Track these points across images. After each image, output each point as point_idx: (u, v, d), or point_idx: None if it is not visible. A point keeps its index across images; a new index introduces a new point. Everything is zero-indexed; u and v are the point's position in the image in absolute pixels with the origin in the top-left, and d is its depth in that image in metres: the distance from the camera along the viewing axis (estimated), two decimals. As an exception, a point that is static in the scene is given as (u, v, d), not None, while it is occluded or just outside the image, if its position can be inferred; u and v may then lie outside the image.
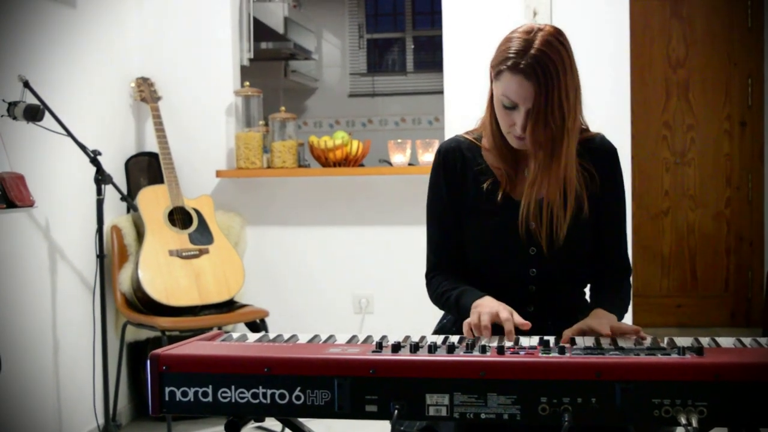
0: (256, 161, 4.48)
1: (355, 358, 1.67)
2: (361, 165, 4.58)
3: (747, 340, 1.83)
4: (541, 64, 1.99)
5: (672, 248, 6.34)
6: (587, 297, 2.30)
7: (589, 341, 1.85)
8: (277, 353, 1.71)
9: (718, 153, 6.33)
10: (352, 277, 4.59)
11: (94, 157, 3.65)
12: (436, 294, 2.24)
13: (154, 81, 4.40)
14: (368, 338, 1.91)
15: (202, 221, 4.21)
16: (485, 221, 2.17)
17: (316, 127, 6.91)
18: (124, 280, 4.03)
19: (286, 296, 4.59)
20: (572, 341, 1.84)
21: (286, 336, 1.95)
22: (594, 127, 2.30)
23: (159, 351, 1.73)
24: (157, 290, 3.91)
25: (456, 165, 2.23)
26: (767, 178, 6.29)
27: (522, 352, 1.68)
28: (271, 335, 1.97)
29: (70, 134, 3.56)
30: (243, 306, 4.16)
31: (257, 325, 4.10)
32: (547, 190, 2.10)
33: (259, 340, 1.94)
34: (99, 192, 3.68)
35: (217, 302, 4.04)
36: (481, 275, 2.20)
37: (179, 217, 4.17)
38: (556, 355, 1.65)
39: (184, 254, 4.04)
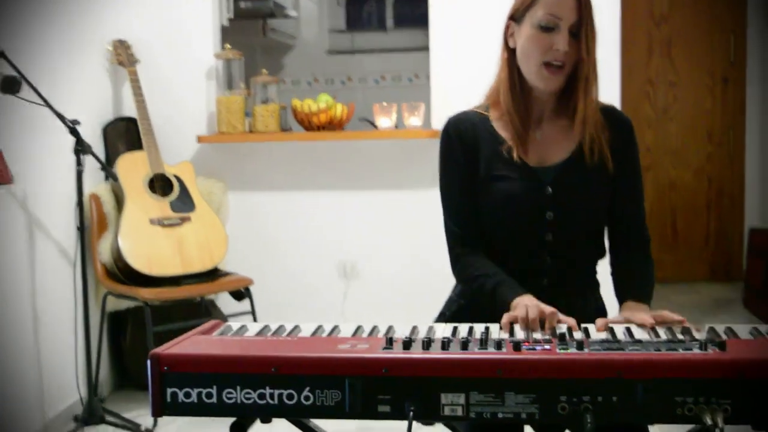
0: (237, 125, 4.37)
1: (366, 357, 1.60)
2: (344, 129, 4.48)
3: (763, 329, 1.80)
4: None
5: (653, 204, 6.32)
6: (597, 276, 2.24)
7: (605, 334, 1.79)
8: (285, 351, 1.65)
9: (699, 109, 6.30)
10: (337, 243, 4.52)
11: (73, 128, 3.52)
12: (467, 276, 2.16)
13: (131, 44, 4.27)
14: (374, 329, 1.85)
15: (183, 188, 4.12)
16: (500, 186, 2.11)
17: (294, 86, 6.77)
18: (104, 251, 3.94)
19: (271, 263, 4.51)
20: (587, 333, 1.79)
21: (288, 327, 1.89)
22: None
23: (159, 350, 1.66)
24: (138, 260, 3.82)
25: (468, 133, 2.16)
26: (749, 133, 6.28)
27: (538, 347, 1.63)
28: (272, 327, 1.90)
29: (48, 105, 3.44)
30: (226, 274, 4.08)
31: (241, 293, 4.03)
32: (587, 132, 2.10)
33: (261, 333, 1.86)
34: (78, 162, 3.57)
35: (200, 271, 3.96)
36: (496, 244, 2.14)
37: (160, 184, 4.08)
38: (575, 351, 1.60)
39: (165, 222, 3.95)
